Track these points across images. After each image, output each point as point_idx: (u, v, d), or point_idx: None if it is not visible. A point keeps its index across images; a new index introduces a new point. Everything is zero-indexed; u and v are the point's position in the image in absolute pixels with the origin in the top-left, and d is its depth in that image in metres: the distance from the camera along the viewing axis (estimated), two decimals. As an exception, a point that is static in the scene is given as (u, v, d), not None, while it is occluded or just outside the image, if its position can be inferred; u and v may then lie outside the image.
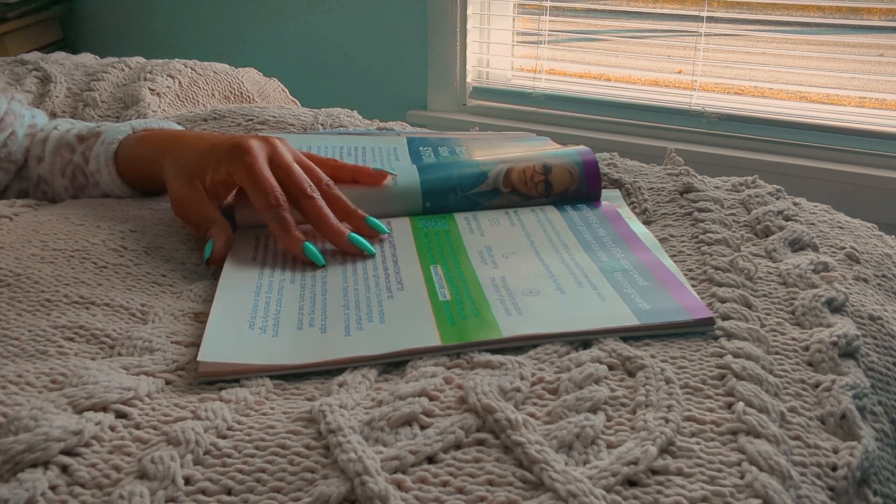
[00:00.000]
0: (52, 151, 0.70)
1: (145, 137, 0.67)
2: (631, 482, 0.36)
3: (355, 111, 0.96)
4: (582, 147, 0.70)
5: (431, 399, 0.42)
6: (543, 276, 0.54)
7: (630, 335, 0.48)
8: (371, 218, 0.60)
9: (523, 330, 0.48)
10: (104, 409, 0.40)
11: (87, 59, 1.15)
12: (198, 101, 1.05)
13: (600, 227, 0.62)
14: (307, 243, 0.56)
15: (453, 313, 0.50)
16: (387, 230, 0.60)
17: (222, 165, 0.58)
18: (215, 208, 0.60)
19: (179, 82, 1.05)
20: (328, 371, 0.46)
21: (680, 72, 1.79)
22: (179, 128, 0.72)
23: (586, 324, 0.48)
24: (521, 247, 0.59)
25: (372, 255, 0.57)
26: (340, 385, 0.43)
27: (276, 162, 0.59)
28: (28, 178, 0.72)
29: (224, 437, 0.39)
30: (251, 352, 0.46)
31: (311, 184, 0.59)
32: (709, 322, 0.48)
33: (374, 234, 0.60)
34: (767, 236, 0.61)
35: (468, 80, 1.93)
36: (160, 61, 1.10)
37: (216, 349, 0.46)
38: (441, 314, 0.50)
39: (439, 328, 0.48)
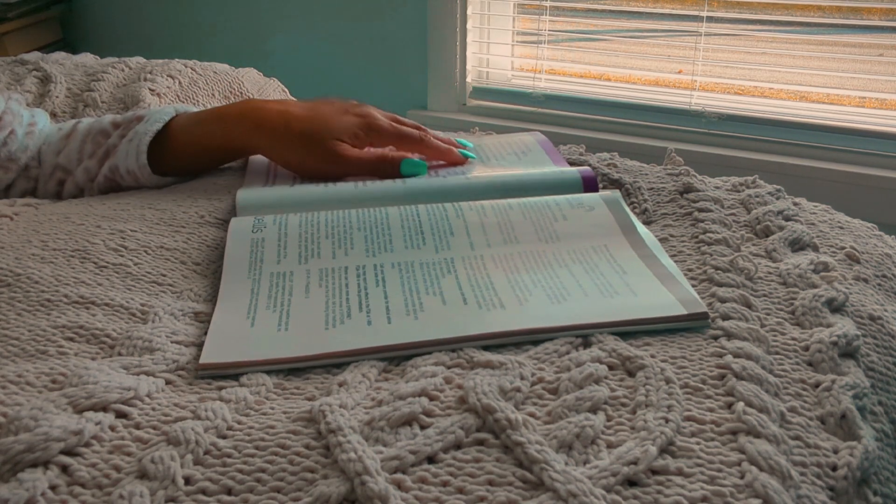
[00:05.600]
0: (82, 139, 0.72)
1: (222, 113, 0.71)
2: (631, 482, 0.36)
3: (355, 111, 0.96)
4: (584, 168, 0.70)
5: (431, 399, 0.42)
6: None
7: (625, 329, 0.48)
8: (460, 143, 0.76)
9: (518, 324, 0.48)
10: (104, 409, 0.40)
11: (87, 59, 1.15)
12: (198, 101, 1.05)
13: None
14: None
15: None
16: (473, 156, 0.75)
17: (362, 134, 0.70)
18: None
19: (179, 82, 1.05)
20: (328, 370, 0.46)
21: (680, 72, 1.79)
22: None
23: (580, 318, 0.48)
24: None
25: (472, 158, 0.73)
26: (340, 385, 0.43)
27: (384, 116, 0.72)
28: (37, 177, 0.72)
29: (224, 437, 0.39)
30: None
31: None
32: (703, 316, 0.48)
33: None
34: (767, 236, 0.61)
35: (468, 80, 1.93)
36: (160, 61, 1.09)
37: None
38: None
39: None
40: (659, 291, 0.51)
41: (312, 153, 0.68)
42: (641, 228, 0.63)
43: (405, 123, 0.73)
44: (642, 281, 0.52)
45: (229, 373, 0.45)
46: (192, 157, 0.72)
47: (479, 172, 0.71)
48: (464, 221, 0.60)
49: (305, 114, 0.70)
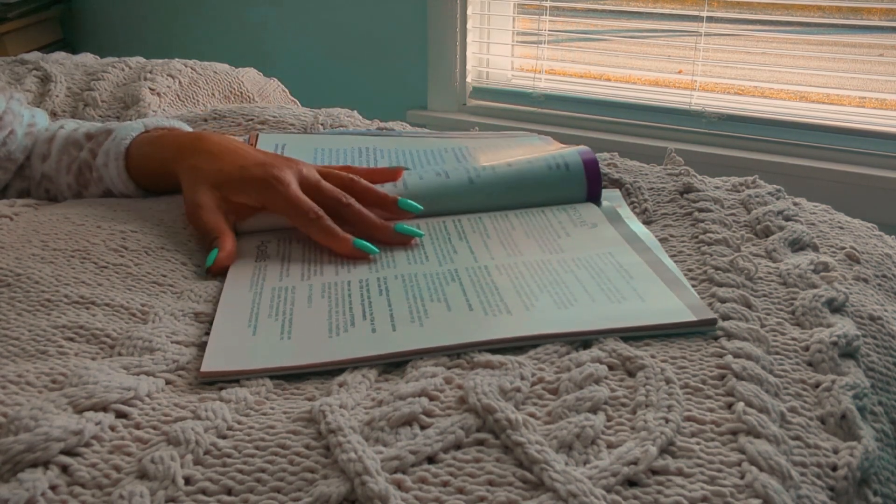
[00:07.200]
0: (59, 149, 0.71)
1: (161, 137, 0.67)
2: (631, 482, 0.36)
3: (355, 111, 0.96)
4: (582, 147, 0.70)
5: (431, 399, 0.42)
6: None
7: (633, 335, 0.48)
8: (400, 224, 0.61)
9: (525, 330, 0.48)
10: (104, 409, 0.40)
11: (87, 59, 1.15)
12: (198, 100, 1.05)
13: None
14: (355, 239, 0.58)
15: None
16: (421, 233, 0.60)
17: (255, 194, 0.60)
18: (228, 222, 0.60)
19: (179, 82, 1.05)
20: (328, 371, 0.46)
21: (680, 72, 1.79)
22: (188, 128, 0.72)
23: (588, 324, 0.48)
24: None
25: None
26: (340, 385, 0.43)
27: (305, 182, 0.60)
28: (30, 177, 0.72)
29: (224, 437, 0.39)
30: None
31: (343, 192, 0.61)
32: (711, 322, 0.48)
33: (404, 240, 0.60)
34: (767, 236, 0.61)
35: (468, 80, 1.93)
36: (160, 61, 1.10)
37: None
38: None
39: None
40: (667, 297, 0.51)
41: (187, 194, 0.61)
42: (642, 229, 0.63)
43: (325, 192, 0.60)
44: (649, 286, 0.52)
45: (231, 379, 0.45)
46: (148, 178, 0.67)
47: (482, 157, 0.71)
48: (466, 242, 0.60)
49: (216, 151, 0.62)
